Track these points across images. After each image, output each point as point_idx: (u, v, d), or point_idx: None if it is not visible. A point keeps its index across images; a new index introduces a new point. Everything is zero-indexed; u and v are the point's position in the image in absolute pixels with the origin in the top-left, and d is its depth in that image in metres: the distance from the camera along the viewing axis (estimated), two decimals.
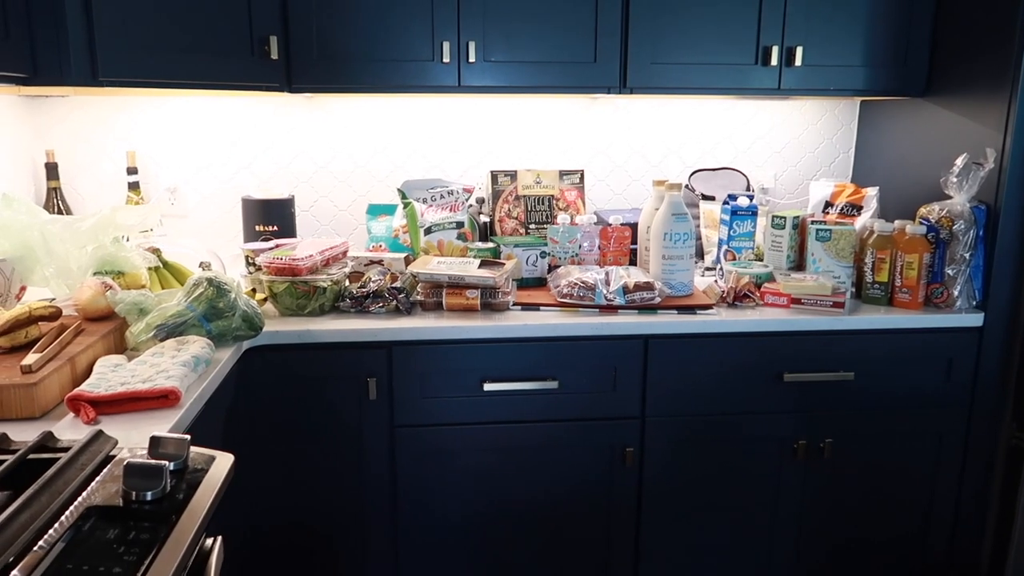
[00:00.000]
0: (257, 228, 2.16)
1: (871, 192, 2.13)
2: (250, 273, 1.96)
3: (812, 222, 2.03)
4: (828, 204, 2.19)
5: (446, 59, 1.96)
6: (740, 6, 2.02)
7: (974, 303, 1.91)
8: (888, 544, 2.04)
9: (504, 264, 1.91)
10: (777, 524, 1.98)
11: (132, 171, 2.24)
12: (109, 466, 1.01)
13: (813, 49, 2.05)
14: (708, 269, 2.24)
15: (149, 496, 0.93)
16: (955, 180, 1.86)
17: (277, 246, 1.97)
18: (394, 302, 1.83)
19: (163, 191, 2.32)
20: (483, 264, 1.89)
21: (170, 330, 1.51)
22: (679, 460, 1.91)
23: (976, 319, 1.90)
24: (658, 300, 1.86)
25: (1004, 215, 1.85)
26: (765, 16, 2.02)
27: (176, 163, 2.33)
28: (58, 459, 0.97)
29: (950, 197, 1.89)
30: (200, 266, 1.90)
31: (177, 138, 2.32)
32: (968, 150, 1.90)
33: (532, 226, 2.26)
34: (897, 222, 1.94)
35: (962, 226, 1.86)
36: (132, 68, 1.67)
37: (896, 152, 2.28)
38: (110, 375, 1.33)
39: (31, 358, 1.28)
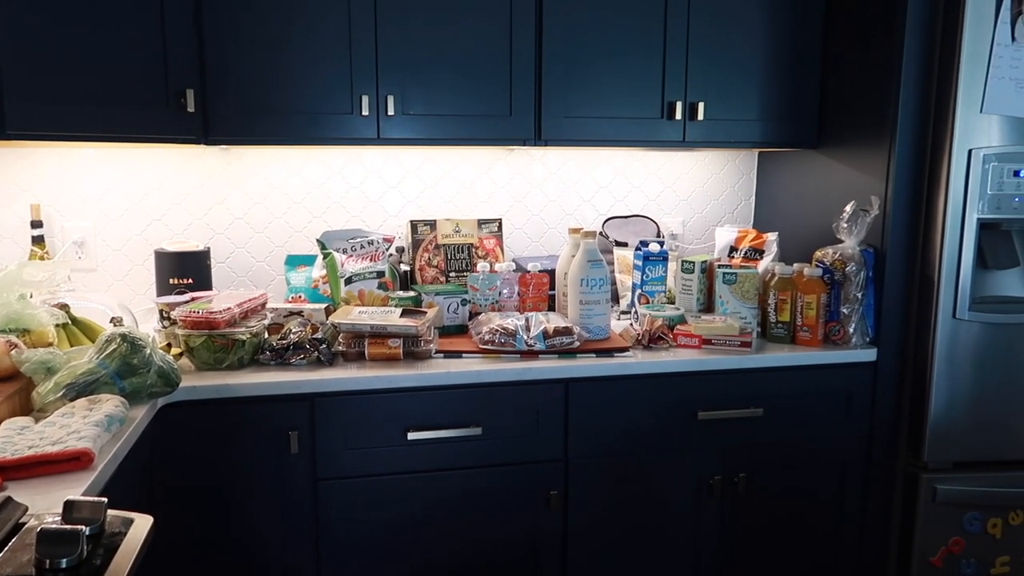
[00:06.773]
0: (171, 281, 2.11)
1: (771, 237, 2.27)
2: (164, 327, 1.91)
3: (719, 266, 2.15)
4: (733, 249, 2.32)
5: (365, 112, 1.99)
6: (646, 64, 2.14)
7: (868, 339, 2.05)
8: (803, 569, 2.12)
9: (426, 312, 1.93)
10: (700, 559, 2.04)
11: (36, 224, 2.15)
12: (20, 534, 0.97)
13: (713, 104, 2.19)
14: (624, 313, 2.32)
15: (64, 564, 0.89)
16: (845, 225, 2.01)
17: (193, 299, 1.93)
18: (315, 353, 1.82)
19: (70, 244, 2.24)
20: (405, 313, 1.91)
21: (80, 389, 1.46)
22: (602, 500, 1.95)
23: (870, 354, 2.03)
24: (577, 344, 1.91)
25: (890, 257, 2.01)
26: (669, 74, 2.15)
27: (84, 215, 2.26)
28: None
29: (842, 241, 2.04)
30: (111, 321, 1.84)
31: (84, 189, 2.25)
32: (856, 197, 2.05)
33: (452, 274, 2.30)
34: (796, 265, 2.07)
35: (854, 268, 2.00)
36: (43, 120, 1.64)
37: (792, 200, 2.44)
38: (16, 438, 1.27)
39: None
